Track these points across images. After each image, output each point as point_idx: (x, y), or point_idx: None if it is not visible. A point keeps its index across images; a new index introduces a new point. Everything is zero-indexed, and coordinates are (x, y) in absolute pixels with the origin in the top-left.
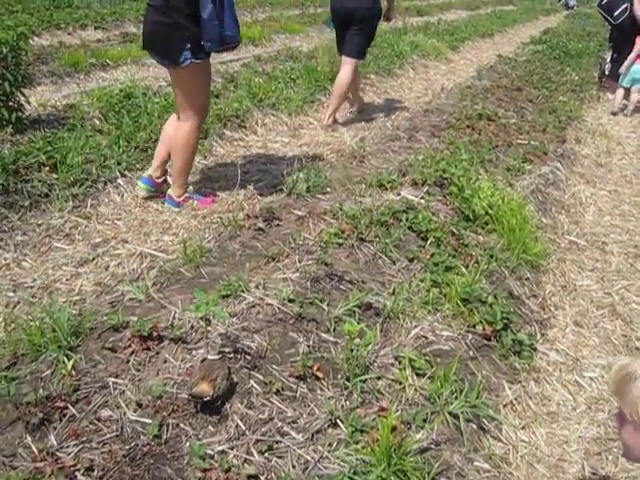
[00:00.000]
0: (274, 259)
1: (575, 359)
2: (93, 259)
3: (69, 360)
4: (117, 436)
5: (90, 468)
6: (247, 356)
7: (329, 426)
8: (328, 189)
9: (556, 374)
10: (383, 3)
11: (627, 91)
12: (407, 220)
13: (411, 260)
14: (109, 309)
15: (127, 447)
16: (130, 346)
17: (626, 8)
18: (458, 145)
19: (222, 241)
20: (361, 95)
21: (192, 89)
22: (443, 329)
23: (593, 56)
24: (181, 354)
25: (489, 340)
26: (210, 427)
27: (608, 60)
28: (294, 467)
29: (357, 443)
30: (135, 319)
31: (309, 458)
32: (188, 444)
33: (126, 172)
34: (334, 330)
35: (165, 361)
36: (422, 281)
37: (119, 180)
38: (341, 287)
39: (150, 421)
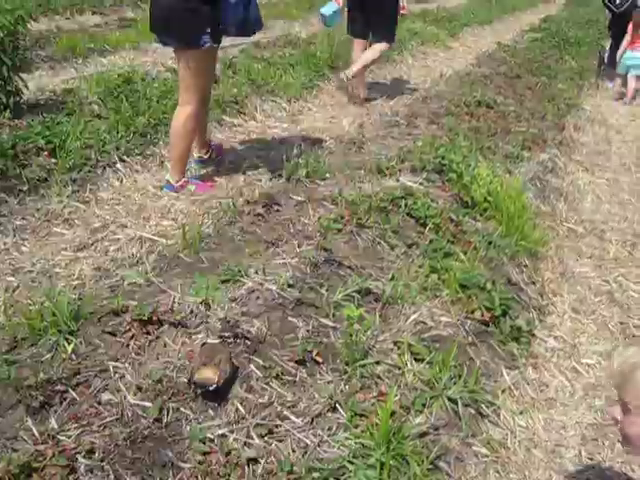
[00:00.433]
0: (273, 244)
1: (573, 346)
2: (92, 244)
3: (69, 344)
4: (117, 419)
5: (91, 451)
6: (247, 341)
7: (328, 410)
8: (327, 175)
9: (554, 360)
10: None
11: (625, 78)
12: (406, 206)
13: (410, 246)
14: (109, 293)
15: (127, 430)
16: (130, 330)
17: None
18: (457, 132)
19: (221, 226)
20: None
21: (201, 72)
22: (442, 315)
23: (592, 44)
24: (181, 338)
25: (488, 326)
26: (210, 411)
27: (607, 48)
28: (294, 451)
29: (356, 427)
30: (135, 303)
31: (309, 442)
32: (188, 428)
33: (125, 157)
34: (333, 315)
35: (165, 345)
36: (421, 267)
37: (118, 165)
38: (340, 272)
39: (150, 405)
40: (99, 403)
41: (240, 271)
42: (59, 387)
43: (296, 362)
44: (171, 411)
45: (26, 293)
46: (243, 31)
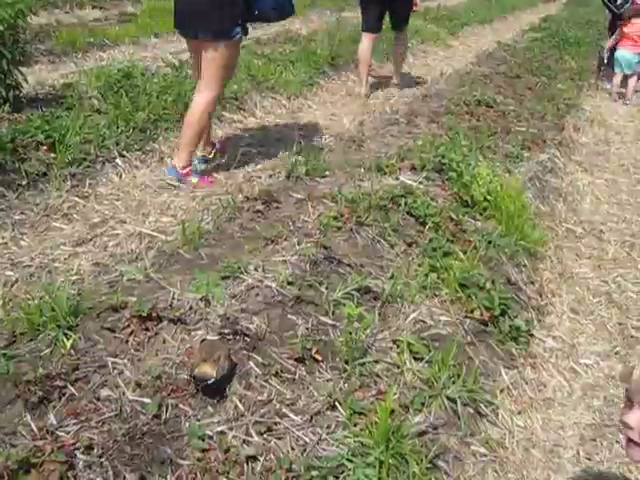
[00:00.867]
0: (273, 241)
1: (571, 346)
2: (91, 239)
3: (68, 339)
4: (116, 415)
5: (90, 447)
6: (246, 338)
7: (328, 408)
8: (327, 173)
9: (552, 360)
10: None
11: (625, 78)
12: (406, 205)
13: (409, 245)
14: (108, 289)
15: (126, 426)
16: (129, 326)
17: None
18: (457, 131)
19: (221, 223)
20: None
21: (228, 62)
22: (441, 314)
23: (592, 45)
24: (180, 335)
25: (486, 325)
26: (209, 408)
27: (607, 49)
28: (293, 449)
29: (355, 425)
30: (134, 299)
31: (308, 440)
32: (187, 424)
33: (124, 152)
34: (333, 313)
35: (164, 341)
36: (420, 266)
37: (117, 160)
38: (340, 270)
39: (149, 401)
40: (98, 399)
41: (240, 268)
42: (58, 382)
43: (295, 360)
44: (170, 407)
45: (25, 288)
46: (282, 15)
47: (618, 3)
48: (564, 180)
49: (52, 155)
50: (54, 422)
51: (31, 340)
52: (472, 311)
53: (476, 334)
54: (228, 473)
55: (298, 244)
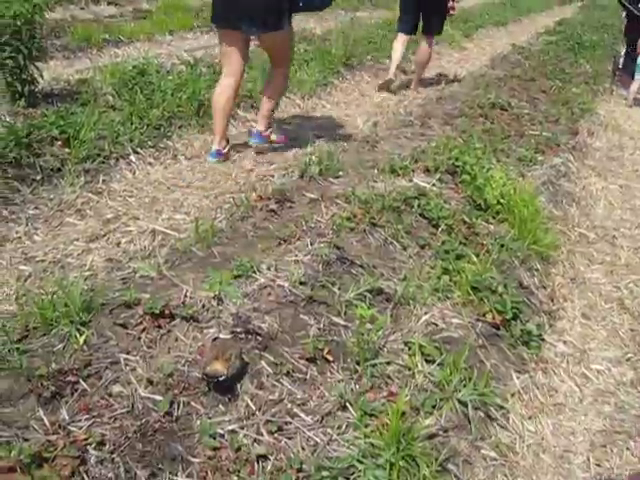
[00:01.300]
0: (286, 241)
1: (582, 351)
2: (104, 235)
3: (81, 335)
4: (128, 412)
5: (102, 443)
6: (258, 337)
7: (338, 409)
8: (341, 173)
9: (563, 365)
10: None
11: None
12: (419, 207)
13: (422, 247)
14: (121, 285)
15: (138, 423)
16: (142, 323)
17: None
18: (471, 133)
19: (234, 221)
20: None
21: (286, 46)
22: (453, 317)
23: (607, 49)
24: (192, 333)
25: (498, 329)
26: (221, 406)
27: (622, 53)
28: (303, 449)
29: (366, 427)
30: (147, 296)
31: (318, 440)
32: (199, 422)
33: (138, 149)
34: (345, 314)
35: (176, 339)
36: (433, 268)
37: (131, 157)
38: (352, 271)
39: (161, 398)
40: (110, 395)
41: (252, 267)
42: (70, 378)
43: (307, 360)
44: (182, 405)
45: (38, 282)
46: (324, 3)
47: None
48: (577, 185)
49: (66, 150)
50: (66, 417)
51: (44, 335)
52: (484, 314)
53: (488, 337)
54: (239, 472)
55: (311, 244)
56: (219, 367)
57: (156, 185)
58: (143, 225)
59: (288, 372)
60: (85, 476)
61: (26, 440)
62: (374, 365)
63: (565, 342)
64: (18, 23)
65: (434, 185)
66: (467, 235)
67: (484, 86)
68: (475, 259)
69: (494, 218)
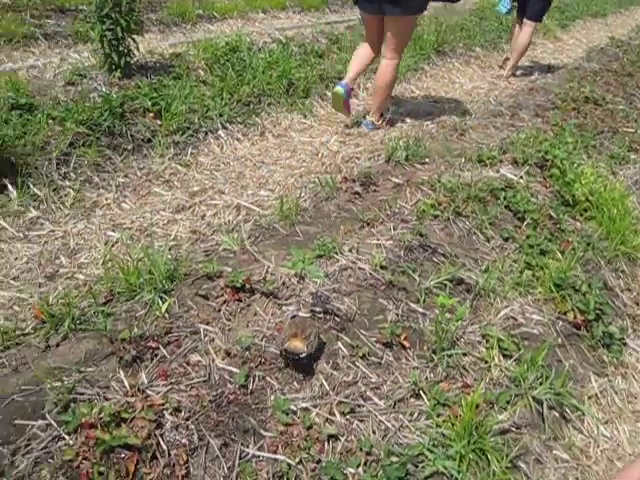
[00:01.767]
0: (369, 224)
1: None
2: (190, 207)
3: (163, 303)
4: (205, 381)
5: (177, 409)
6: (336, 318)
7: (411, 396)
8: (427, 159)
9: None
10: None
11: None
12: (505, 199)
13: (506, 239)
14: (203, 257)
15: (214, 393)
16: (222, 295)
17: None
18: (563, 127)
19: (318, 201)
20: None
21: (409, 33)
22: (533, 312)
23: None
24: (271, 309)
25: (579, 329)
26: (295, 383)
27: None
28: (374, 432)
29: (438, 416)
30: (229, 269)
31: (389, 425)
32: (273, 397)
33: (227, 124)
34: (424, 301)
35: (255, 314)
36: (515, 262)
37: (220, 132)
38: (434, 259)
39: (238, 370)
40: (188, 363)
41: (334, 248)
42: (151, 344)
43: (383, 344)
44: (257, 379)
45: (124, 249)
46: None
47: None
48: None
49: (158, 122)
50: (145, 381)
51: (128, 300)
52: (565, 313)
53: (567, 337)
54: (309, 449)
55: (394, 229)
56: (299, 344)
57: (243, 161)
58: (228, 199)
59: (364, 355)
60: (160, 440)
61: (107, 400)
62: (450, 355)
63: None
64: None
65: (522, 177)
66: (553, 231)
67: (578, 79)
68: (560, 256)
69: (582, 215)
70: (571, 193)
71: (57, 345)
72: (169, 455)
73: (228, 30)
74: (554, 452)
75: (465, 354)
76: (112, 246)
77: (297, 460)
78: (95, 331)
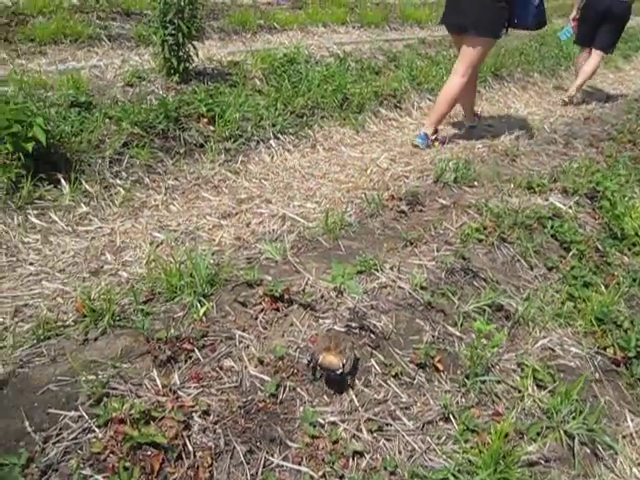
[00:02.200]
0: (412, 244)
1: None
2: (236, 214)
3: (202, 306)
4: (236, 387)
5: (206, 412)
6: (372, 335)
7: (441, 419)
8: (475, 183)
9: None
10: None
11: None
12: (552, 227)
13: (550, 269)
14: (245, 264)
15: (244, 400)
16: (260, 304)
17: None
18: (617, 159)
19: (363, 217)
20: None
21: (485, 54)
22: (572, 345)
23: None
24: (308, 320)
25: (618, 366)
26: (325, 397)
27: None
28: (400, 453)
29: (466, 442)
30: (269, 278)
31: (416, 447)
32: (302, 409)
33: (279, 135)
34: (461, 325)
35: (291, 324)
36: (558, 292)
37: (271, 141)
38: (474, 283)
39: (269, 379)
40: (221, 368)
41: (376, 265)
42: (186, 346)
43: (417, 365)
44: (287, 389)
45: (169, 250)
46: (539, 25)
47: None
48: None
49: (211, 128)
50: (177, 382)
51: (167, 301)
52: (605, 348)
53: (605, 372)
54: (333, 464)
55: (437, 250)
56: (334, 360)
57: (292, 172)
58: (274, 209)
59: (396, 374)
60: (187, 441)
61: (138, 397)
62: (483, 381)
63: None
64: (182, 3)
65: (570, 207)
66: (598, 263)
67: (637, 111)
68: (604, 289)
69: (629, 250)
70: (620, 226)
71: (95, 339)
72: (194, 457)
73: (287, 42)
74: None
75: (499, 381)
76: (157, 247)
77: (320, 473)
78: (133, 329)
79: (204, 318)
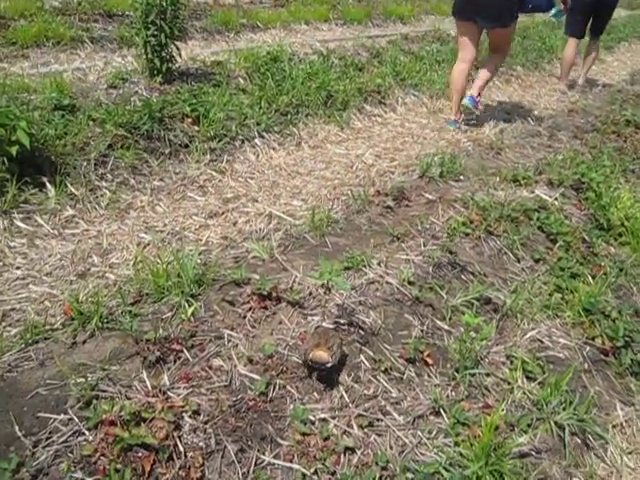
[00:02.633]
0: (399, 239)
1: None
2: (222, 213)
3: (190, 306)
4: (225, 386)
5: (197, 412)
6: (360, 330)
7: (431, 413)
8: (461, 177)
9: None
10: None
11: None
12: (538, 220)
13: (537, 261)
14: (232, 263)
15: (234, 399)
16: (248, 302)
17: None
18: (601, 150)
19: (349, 214)
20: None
21: (508, 39)
22: (560, 336)
23: None
24: (296, 318)
25: (606, 355)
26: (315, 394)
27: None
28: (391, 448)
29: (457, 435)
30: (257, 277)
31: (407, 441)
32: (292, 406)
33: (264, 133)
34: (450, 319)
35: (280, 322)
36: (545, 284)
37: (256, 140)
38: (462, 277)
39: (259, 378)
40: (210, 368)
41: (363, 261)
42: (175, 346)
43: (406, 360)
44: (277, 387)
45: (155, 251)
46: (549, 6)
47: None
48: None
49: (195, 128)
50: (167, 383)
51: (155, 302)
52: (593, 338)
53: (594, 363)
54: (325, 460)
55: (424, 245)
56: (324, 354)
57: (277, 170)
58: (261, 207)
59: (386, 369)
60: (178, 441)
61: (128, 398)
62: (473, 375)
63: None
64: (164, 4)
65: (556, 199)
66: (585, 254)
67: (620, 102)
68: (591, 280)
69: (616, 240)
70: (606, 217)
71: (84, 342)
72: (185, 457)
73: (270, 40)
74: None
75: (488, 374)
76: (143, 248)
77: (312, 470)
78: (121, 331)
79: (192, 318)
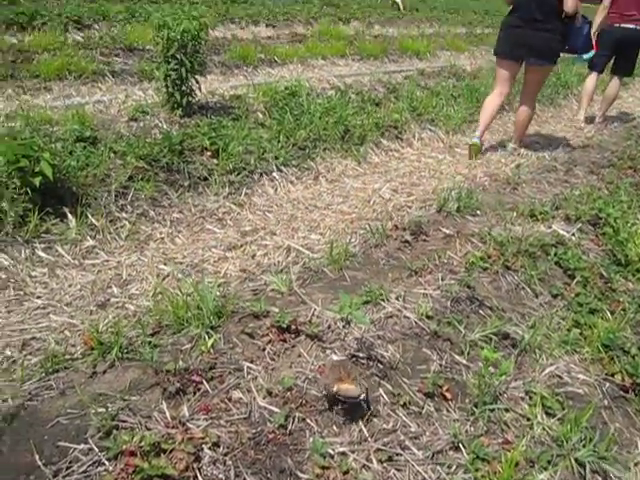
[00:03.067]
0: (417, 273)
1: None
2: (241, 246)
3: (209, 338)
4: (245, 419)
5: (216, 444)
6: (379, 364)
7: (450, 449)
8: (478, 212)
9: None
10: None
11: None
12: (555, 255)
13: (555, 296)
14: (251, 296)
15: (253, 431)
16: (268, 335)
17: None
18: (618, 185)
19: (367, 248)
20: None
21: (544, 78)
22: (579, 372)
23: None
24: (315, 351)
25: (627, 392)
26: (334, 427)
27: None
28: None
29: (477, 471)
30: (276, 310)
31: (427, 476)
32: (311, 440)
33: (282, 167)
34: (468, 354)
35: (299, 355)
36: (563, 319)
37: (274, 174)
38: (480, 312)
39: (278, 410)
40: (229, 400)
41: (381, 295)
42: (195, 378)
43: (425, 394)
44: (297, 420)
45: (175, 283)
46: (586, 50)
47: None
48: None
49: (214, 161)
50: (187, 414)
51: (175, 333)
52: (613, 375)
53: (614, 399)
54: None
55: (442, 279)
56: (351, 387)
57: (295, 203)
58: (279, 241)
59: (405, 404)
60: (197, 473)
61: (148, 429)
62: (492, 410)
63: None
64: (185, 38)
65: (574, 234)
66: (603, 290)
67: (636, 137)
68: (609, 316)
69: (634, 276)
70: (624, 252)
71: (104, 372)
72: None
73: (288, 75)
74: None
75: (507, 410)
76: (163, 279)
77: None
78: (141, 361)
79: (212, 350)
